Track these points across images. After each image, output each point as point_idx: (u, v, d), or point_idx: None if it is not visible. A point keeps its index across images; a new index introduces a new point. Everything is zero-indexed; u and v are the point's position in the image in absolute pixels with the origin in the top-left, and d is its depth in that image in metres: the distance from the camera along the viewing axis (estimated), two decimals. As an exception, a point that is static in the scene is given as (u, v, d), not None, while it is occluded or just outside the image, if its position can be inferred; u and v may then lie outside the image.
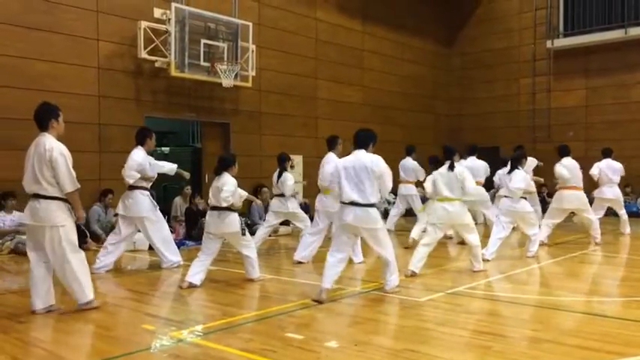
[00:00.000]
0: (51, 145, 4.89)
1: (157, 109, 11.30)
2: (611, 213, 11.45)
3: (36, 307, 5.06)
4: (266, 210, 11.19)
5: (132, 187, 7.44)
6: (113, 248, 7.35)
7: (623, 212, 11.00)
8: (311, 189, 13.96)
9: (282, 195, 8.73)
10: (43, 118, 5.02)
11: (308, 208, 13.44)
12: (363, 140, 5.83)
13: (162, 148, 15.62)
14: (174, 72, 10.79)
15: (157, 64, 10.88)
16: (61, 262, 5.00)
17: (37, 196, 4.93)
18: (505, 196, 8.22)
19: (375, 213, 5.67)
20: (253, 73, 12.11)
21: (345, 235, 5.76)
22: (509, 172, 8.20)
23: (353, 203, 5.61)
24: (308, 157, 14.15)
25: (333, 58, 14.82)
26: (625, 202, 14.05)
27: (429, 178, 7.53)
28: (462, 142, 18.87)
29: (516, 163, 8.25)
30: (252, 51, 12.04)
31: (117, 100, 10.68)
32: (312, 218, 13.43)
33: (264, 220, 11.03)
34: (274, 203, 8.81)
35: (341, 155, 8.57)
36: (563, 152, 9.52)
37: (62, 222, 4.96)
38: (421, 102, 17.82)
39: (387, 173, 5.67)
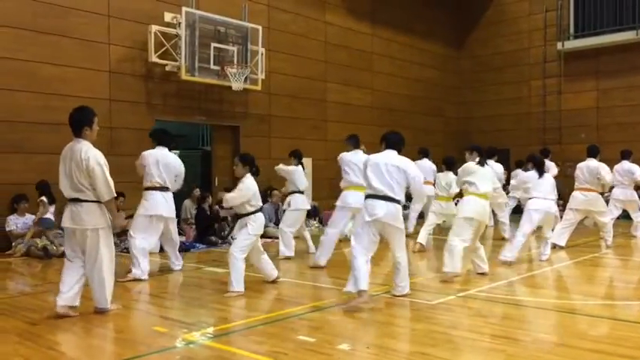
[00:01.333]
0: (87, 154, 4.87)
1: (168, 112, 11.36)
2: (624, 216, 11.36)
3: (57, 304, 5.02)
4: (276, 213, 11.23)
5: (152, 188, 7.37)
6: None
7: (636, 215, 10.91)
8: (319, 191, 14.04)
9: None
10: (77, 125, 5.00)
11: (317, 211, 13.50)
12: (395, 142, 5.79)
13: (172, 152, 15.68)
14: (184, 75, 10.85)
15: (167, 68, 10.95)
16: (93, 263, 5.03)
17: (78, 200, 4.96)
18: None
19: (401, 212, 5.64)
20: (263, 77, 12.15)
21: (371, 233, 5.55)
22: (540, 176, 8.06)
23: (385, 197, 5.50)
24: (317, 159, 14.17)
25: (342, 61, 14.84)
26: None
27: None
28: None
29: (542, 167, 8.18)
30: (262, 54, 12.09)
31: (127, 103, 10.74)
32: (321, 221, 13.59)
33: (274, 222, 11.09)
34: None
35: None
36: (592, 153, 9.84)
37: (103, 224, 5.02)
38: (430, 105, 17.79)
39: (420, 176, 5.73)
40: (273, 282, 6.58)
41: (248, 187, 6.20)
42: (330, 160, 14.39)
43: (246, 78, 11.53)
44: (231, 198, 6.12)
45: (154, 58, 10.68)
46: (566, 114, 17.11)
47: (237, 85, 11.21)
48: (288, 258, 8.59)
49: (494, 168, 9.95)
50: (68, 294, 5.03)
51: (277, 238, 10.51)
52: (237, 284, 6.01)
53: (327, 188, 14.28)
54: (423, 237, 9.31)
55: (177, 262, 7.60)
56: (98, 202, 4.99)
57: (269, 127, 13.13)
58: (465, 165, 7.30)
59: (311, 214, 13.25)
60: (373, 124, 15.50)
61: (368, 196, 5.64)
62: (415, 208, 11.47)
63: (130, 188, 10.63)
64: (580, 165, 9.76)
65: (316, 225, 13.16)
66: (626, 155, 11.39)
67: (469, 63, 19.04)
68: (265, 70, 12.26)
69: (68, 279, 5.06)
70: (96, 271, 5.06)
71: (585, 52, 16.62)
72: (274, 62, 12.96)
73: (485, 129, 18.43)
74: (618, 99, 16.20)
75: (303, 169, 9.49)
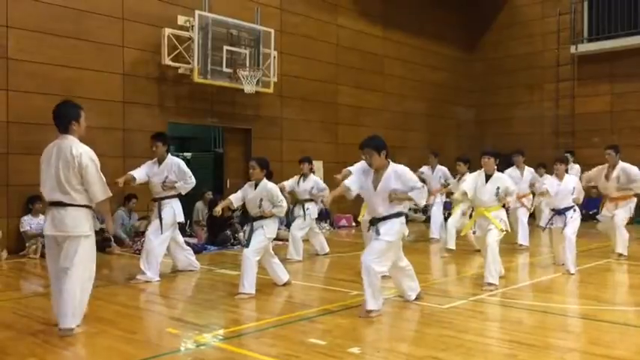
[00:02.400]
0: (78, 150, 4.47)
1: (180, 114, 11.43)
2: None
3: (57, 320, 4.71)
4: (287, 215, 11.23)
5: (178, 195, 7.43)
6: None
7: None
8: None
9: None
10: (63, 119, 4.56)
11: (328, 214, 13.50)
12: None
13: (185, 154, 15.80)
14: (197, 78, 10.92)
15: (180, 71, 11.03)
16: (64, 273, 4.49)
17: (62, 204, 4.50)
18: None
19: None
20: (275, 79, 12.19)
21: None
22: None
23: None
24: (328, 162, 14.17)
25: (354, 64, 14.85)
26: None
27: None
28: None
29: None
30: (274, 57, 12.14)
31: (141, 105, 10.83)
32: (332, 224, 13.59)
33: (285, 224, 11.10)
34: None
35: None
36: None
37: (86, 232, 4.58)
38: (442, 108, 17.75)
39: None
40: (284, 285, 6.60)
41: (278, 194, 6.38)
42: (340, 163, 14.36)
43: (258, 80, 11.58)
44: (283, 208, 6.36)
45: (167, 61, 10.77)
46: (580, 118, 16.99)
47: (249, 87, 11.26)
48: (298, 261, 8.60)
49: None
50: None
51: (287, 240, 10.59)
52: (249, 286, 6.03)
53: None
54: (452, 242, 9.17)
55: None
56: (84, 206, 4.57)
57: (280, 130, 13.17)
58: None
59: (323, 217, 13.28)
60: (384, 127, 15.48)
61: None
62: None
63: (142, 190, 10.71)
64: None
65: (327, 228, 13.16)
66: None
67: (481, 66, 18.95)
68: (277, 73, 12.30)
69: (57, 295, 4.65)
70: (66, 282, 4.47)
71: (599, 56, 16.49)
72: (286, 65, 13.01)
73: (498, 132, 18.30)
74: (633, 103, 16.06)
75: (313, 173, 9.39)
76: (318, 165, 13.86)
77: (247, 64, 11.51)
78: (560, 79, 17.36)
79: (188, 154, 15.73)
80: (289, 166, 13.30)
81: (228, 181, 12.26)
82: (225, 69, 11.26)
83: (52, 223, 4.51)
